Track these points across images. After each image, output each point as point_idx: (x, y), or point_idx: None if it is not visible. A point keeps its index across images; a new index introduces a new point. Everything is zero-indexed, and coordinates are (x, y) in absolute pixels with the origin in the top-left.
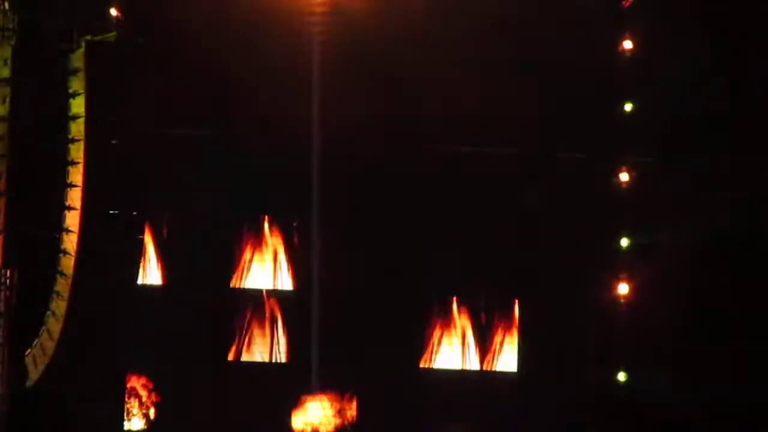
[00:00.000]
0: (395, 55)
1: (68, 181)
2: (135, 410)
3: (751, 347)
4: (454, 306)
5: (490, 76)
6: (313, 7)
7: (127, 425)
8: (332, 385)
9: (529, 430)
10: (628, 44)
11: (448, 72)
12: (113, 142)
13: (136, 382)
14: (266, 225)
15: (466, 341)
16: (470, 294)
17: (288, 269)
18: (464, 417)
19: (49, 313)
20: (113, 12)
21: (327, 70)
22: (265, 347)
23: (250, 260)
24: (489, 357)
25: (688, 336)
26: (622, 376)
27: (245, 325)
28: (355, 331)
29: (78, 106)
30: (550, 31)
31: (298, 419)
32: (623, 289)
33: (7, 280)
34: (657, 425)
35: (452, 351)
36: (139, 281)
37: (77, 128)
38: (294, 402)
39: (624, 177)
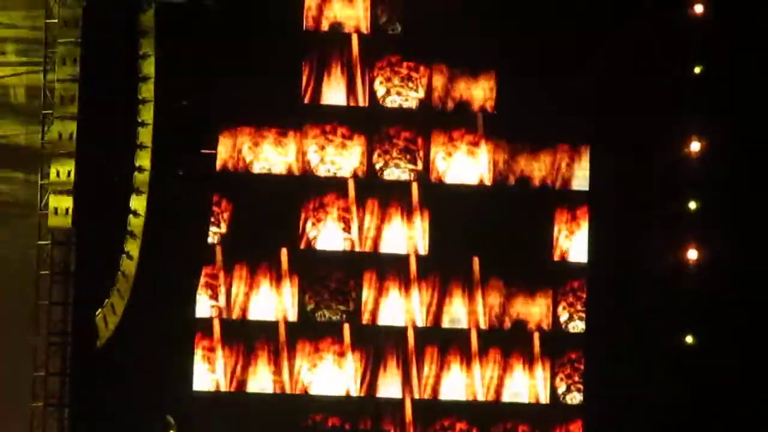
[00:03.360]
0: None
1: (138, 142)
2: None
3: None
4: None
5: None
6: None
7: None
8: None
9: (598, 388)
10: (698, 8)
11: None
12: (183, 103)
13: None
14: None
15: None
16: None
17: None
18: None
19: (119, 273)
20: None
21: None
22: None
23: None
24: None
25: (757, 301)
26: (690, 339)
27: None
28: None
29: (148, 67)
30: None
31: None
32: (692, 251)
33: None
34: (724, 389)
35: None
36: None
37: (147, 89)
38: None
39: (695, 144)
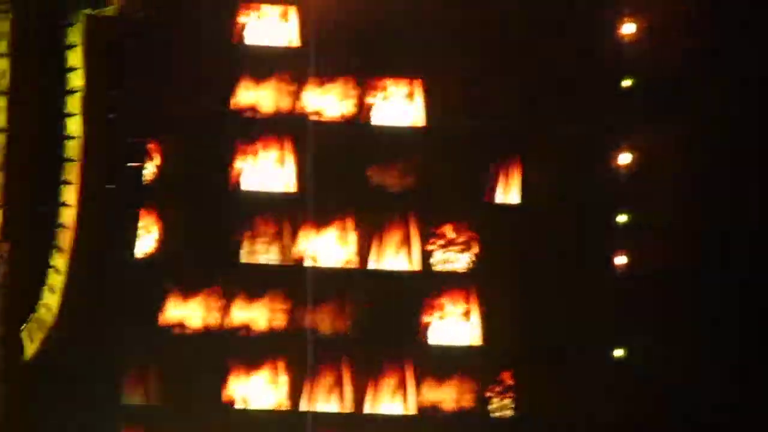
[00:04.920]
0: None
1: (66, 156)
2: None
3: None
4: None
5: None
6: None
7: None
8: None
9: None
10: (628, 24)
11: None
12: (110, 116)
13: None
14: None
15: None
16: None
17: None
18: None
19: (46, 287)
20: None
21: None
22: None
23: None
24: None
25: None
26: (620, 353)
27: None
28: None
29: (75, 80)
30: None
31: None
32: (621, 263)
33: (4, 254)
34: (655, 403)
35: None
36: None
37: (74, 103)
38: None
39: (625, 155)
